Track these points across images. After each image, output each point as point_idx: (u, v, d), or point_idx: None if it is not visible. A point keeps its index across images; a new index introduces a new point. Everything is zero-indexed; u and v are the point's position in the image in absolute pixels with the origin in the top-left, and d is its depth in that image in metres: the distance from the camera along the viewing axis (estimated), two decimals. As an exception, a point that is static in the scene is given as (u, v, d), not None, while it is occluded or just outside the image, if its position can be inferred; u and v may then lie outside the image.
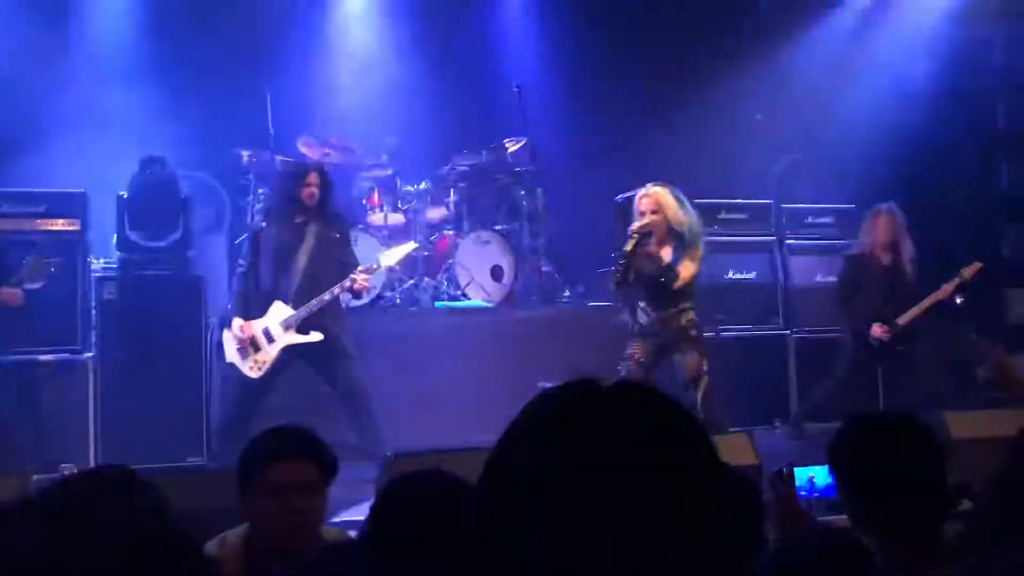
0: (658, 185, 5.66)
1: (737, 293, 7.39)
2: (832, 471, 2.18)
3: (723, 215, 7.51)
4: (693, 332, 5.55)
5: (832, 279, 7.20)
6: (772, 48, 8.39)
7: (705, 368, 5.50)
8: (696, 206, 7.43)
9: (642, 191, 5.68)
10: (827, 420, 6.06)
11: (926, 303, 6.55)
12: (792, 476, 2.53)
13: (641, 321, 5.62)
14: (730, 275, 7.43)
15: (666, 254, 5.53)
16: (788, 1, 8.58)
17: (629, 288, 5.61)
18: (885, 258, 6.66)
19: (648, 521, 0.91)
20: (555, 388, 1.00)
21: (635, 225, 5.55)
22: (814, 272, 7.54)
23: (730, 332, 7.26)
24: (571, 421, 0.96)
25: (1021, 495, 1.65)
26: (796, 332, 7.43)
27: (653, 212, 5.53)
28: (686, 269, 5.49)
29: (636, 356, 5.54)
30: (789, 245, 7.62)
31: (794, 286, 7.52)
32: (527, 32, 8.78)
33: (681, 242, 5.53)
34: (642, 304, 5.64)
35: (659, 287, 5.51)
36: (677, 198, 5.58)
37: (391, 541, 1.85)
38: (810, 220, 7.75)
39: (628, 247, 5.48)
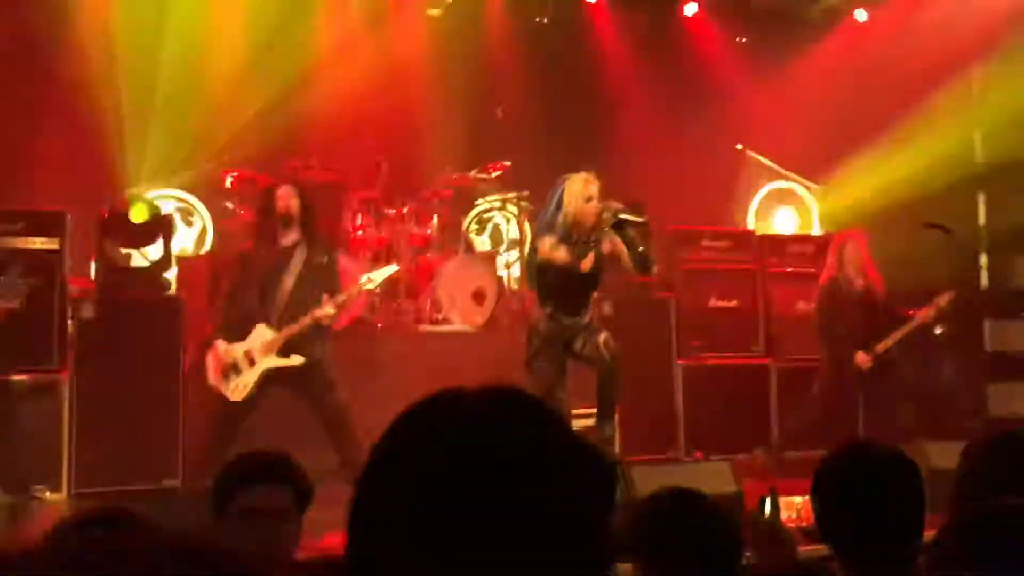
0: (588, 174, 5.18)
1: (719, 320, 7.40)
2: (816, 497, 2.18)
3: (705, 242, 7.55)
4: (595, 323, 5.27)
5: (811, 306, 7.23)
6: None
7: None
8: (679, 233, 7.58)
9: (585, 175, 5.13)
10: (808, 448, 6.07)
11: (904, 330, 6.60)
12: (775, 502, 2.52)
13: (551, 324, 5.20)
14: (712, 302, 7.44)
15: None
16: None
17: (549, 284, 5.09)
18: (858, 283, 6.70)
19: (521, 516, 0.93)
20: (420, 401, 1.03)
21: (614, 204, 4.98)
22: (794, 300, 7.56)
23: (712, 359, 7.28)
24: (438, 430, 0.98)
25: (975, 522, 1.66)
26: (777, 360, 7.44)
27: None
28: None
29: (545, 368, 5.19)
30: (770, 273, 7.64)
31: (775, 314, 7.54)
32: (512, 57, 8.81)
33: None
34: (555, 305, 5.16)
35: (591, 286, 5.16)
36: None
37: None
38: (790, 248, 7.79)
39: (601, 224, 4.88)
